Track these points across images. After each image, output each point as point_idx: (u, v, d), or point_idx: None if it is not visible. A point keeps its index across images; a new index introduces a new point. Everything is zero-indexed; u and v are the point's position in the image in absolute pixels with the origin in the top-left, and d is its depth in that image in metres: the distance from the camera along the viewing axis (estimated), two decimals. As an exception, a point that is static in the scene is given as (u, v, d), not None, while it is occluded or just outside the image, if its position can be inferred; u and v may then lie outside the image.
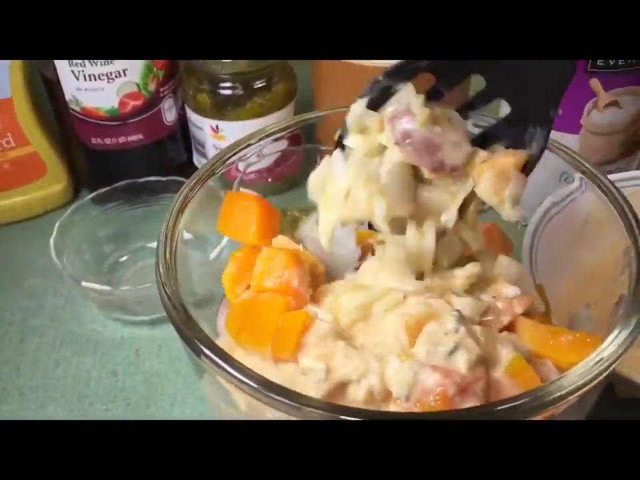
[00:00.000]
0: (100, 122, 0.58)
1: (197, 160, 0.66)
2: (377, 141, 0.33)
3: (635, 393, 0.44)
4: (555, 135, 0.53)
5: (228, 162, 0.41)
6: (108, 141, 0.60)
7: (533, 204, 0.48)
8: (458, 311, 0.30)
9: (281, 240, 0.38)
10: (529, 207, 0.46)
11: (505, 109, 0.37)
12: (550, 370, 0.30)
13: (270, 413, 0.27)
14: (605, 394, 0.45)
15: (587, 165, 0.38)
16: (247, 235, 0.39)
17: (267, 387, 0.25)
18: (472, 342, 0.28)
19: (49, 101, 0.61)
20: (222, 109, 0.59)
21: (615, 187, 0.37)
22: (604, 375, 0.27)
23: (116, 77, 0.56)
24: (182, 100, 0.62)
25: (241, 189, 0.48)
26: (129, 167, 0.61)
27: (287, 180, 0.59)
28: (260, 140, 0.44)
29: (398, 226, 0.32)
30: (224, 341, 0.33)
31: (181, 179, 0.56)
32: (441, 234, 0.32)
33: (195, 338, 0.28)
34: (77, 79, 0.55)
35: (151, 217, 0.58)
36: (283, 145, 0.59)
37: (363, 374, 0.28)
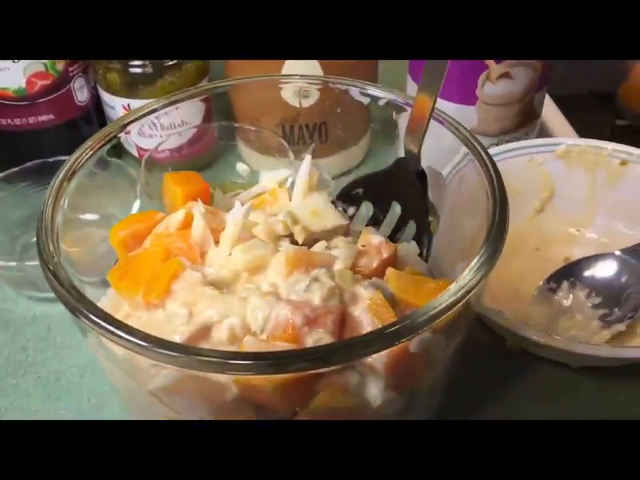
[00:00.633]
0: (8, 102, 0.58)
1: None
2: None
3: (523, 345, 0.47)
4: (453, 107, 0.56)
5: (124, 127, 0.42)
6: (18, 121, 0.60)
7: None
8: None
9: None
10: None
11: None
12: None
13: (142, 360, 0.28)
14: (496, 347, 0.48)
15: (471, 140, 0.40)
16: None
17: (130, 333, 0.26)
18: (328, 278, 0.30)
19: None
20: (133, 87, 0.60)
21: (487, 154, 0.39)
22: (458, 305, 0.28)
23: (21, 56, 0.56)
24: (93, 79, 0.62)
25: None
26: (42, 148, 0.61)
27: (201, 159, 0.60)
28: (163, 107, 0.45)
29: None
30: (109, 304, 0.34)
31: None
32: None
33: (69, 295, 0.29)
34: (-20, 58, 0.55)
35: (64, 196, 0.58)
36: (196, 121, 0.60)
37: (225, 315, 0.30)
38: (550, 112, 0.71)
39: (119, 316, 0.34)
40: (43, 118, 0.60)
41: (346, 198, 0.46)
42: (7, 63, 0.56)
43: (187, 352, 0.26)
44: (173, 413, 0.31)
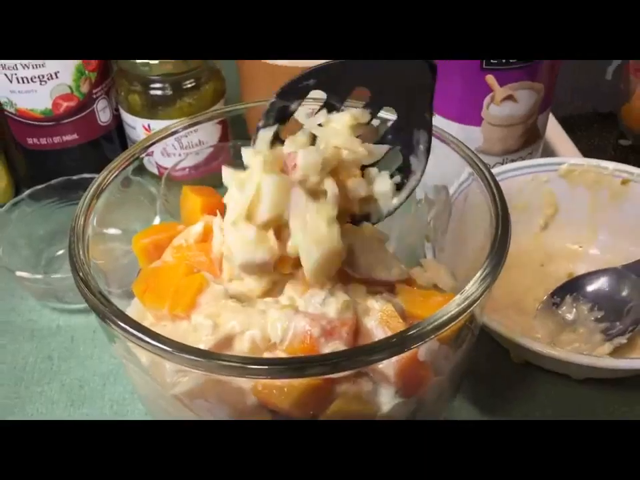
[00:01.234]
0: (35, 123, 0.61)
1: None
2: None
3: (527, 357, 0.49)
4: (459, 127, 0.58)
5: (147, 148, 0.44)
6: (44, 140, 0.63)
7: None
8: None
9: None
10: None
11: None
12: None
13: (168, 365, 0.31)
14: (502, 359, 0.50)
15: (475, 160, 0.42)
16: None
17: (157, 340, 0.28)
18: (342, 292, 0.32)
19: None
20: (153, 108, 0.63)
21: (489, 170, 0.40)
22: (461, 316, 0.30)
23: (48, 79, 0.59)
24: (115, 101, 0.65)
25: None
26: (66, 167, 0.64)
27: (217, 177, 0.63)
28: (184, 129, 0.47)
29: None
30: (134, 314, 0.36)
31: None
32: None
33: (98, 302, 0.31)
34: (10, 81, 0.58)
35: (87, 213, 0.61)
36: (213, 141, 0.63)
37: (246, 326, 0.32)
38: (554, 132, 0.73)
39: (144, 324, 0.36)
40: (68, 138, 0.63)
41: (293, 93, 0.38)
42: (35, 86, 0.59)
43: (209, 357, 0.28)
44: (196, 417, 0.33)
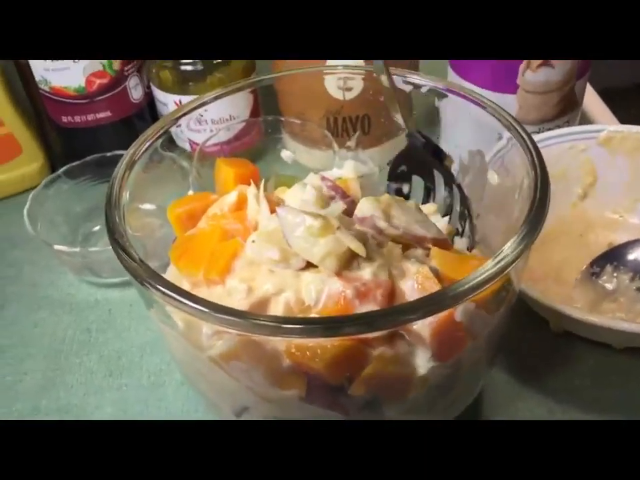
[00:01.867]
0: (69, 100, 0.62)
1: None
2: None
3: (567, 326, 0.48)
4: (493, 95, 0.57)
5: (176, 120, 0.44)
6: (77, 118, 0.63)
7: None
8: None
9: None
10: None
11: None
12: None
13: (204, 328, 0.31)
14: (540, 329, 0.49)
15: (514, 124, 0.41)
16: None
17: (194, 301, 0.29)
18: (377, 256, 0.32)
19: (20, 82, 0.64)
20: (184, 84, 0.63)
21: (527, 133, 0.40)
22: (497, 277, 0.29)
23: (81, 56, 0.59)
24: (147, 78, 0.66)
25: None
26: (99, 144, 0.64)
27: (249, 152, 0.63)
28: (211, 100, 0.47)
29: None
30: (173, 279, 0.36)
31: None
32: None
33: (138, 267, 0.31)
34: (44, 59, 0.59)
35: (121, 188, 0.62)
36: (244, 116, 0.63)
37: (280, 289, 0.32)
38: (591, 101, 0.71)
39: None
40: (101, 115, 0.64)
41: (396, 178, 0.48)
42: (68, 63, 0.59)
43: (244, 316, 0.28)
44: (232, 379, 0.33)
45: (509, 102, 0.57)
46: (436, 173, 0.46)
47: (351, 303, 0.31)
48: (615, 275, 0.52)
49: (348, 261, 0.33)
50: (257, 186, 0.41)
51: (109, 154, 0.61)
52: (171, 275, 0.39)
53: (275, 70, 0.67)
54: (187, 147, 0.63)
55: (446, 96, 0.44)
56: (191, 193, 0.55)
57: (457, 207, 0.45)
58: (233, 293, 0.33)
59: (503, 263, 0.30)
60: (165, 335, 0.36)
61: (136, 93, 0.65)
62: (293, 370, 0.32)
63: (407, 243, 0.37)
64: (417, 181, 0.49)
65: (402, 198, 0.39)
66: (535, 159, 0.36)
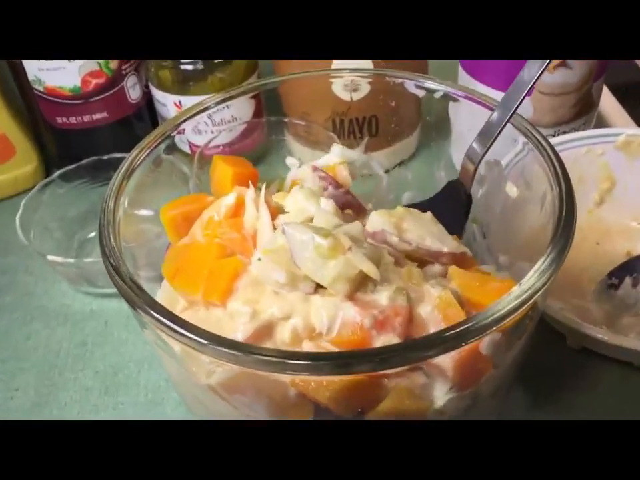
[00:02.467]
0: (64, 101, 0.59)
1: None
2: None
3: (584, 343, 0.46)
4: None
5: (179, 126, 0.42)
6: (73, 120, 0.61)
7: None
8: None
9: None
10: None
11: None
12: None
13: (202, 355, 0.29)
14: (557, 345, 0.47)
15: (529, 128, 0.39)
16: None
17: (190, 331, 0.26)
18: (394, 277, 0.29)
19: (13, 82, 0.62)
20: (184, 84, 0.60)
21: (549, 143, 0.38)
22: (524, 306, 0.27)
23: (76, 55, 0.57)
24: (145, 77, 0.63)
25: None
26: (96, 146, 0.62)
27: (251, 154, 0.60)
28: (215, 104, 0.44)
29: None
30: (165, 296, 0.34)
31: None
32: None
33: (129, 290, 0.29)
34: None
35: (118, 193, 0.59)
36: (246, 117, 0.61)
37: (288, 314, 0.30)
38: (607, 102, 0.69)
39: (177, 309, 0.34)
40: (97, 116, 0.61)
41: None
42: (63, 63, 0.57)
43: (246, 350, 0.26)
44: (232, 408, 0.31)
45: (524, 104, 0.55)
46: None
47: (368, 334, 0.28)
48: (635, 287, 0.50)
49: (361, 284, 0.30)
50: (256, 189, 0.38)
51: (105, 156, 0.59)
52: (167, 287, 0.36)
53: (278, 69, 0.65)
54: (187, 149, 0.61)
55: (458, 101, 0.42)
56: (190, 198, 0.53)
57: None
58: (236, 316, 0.31)
59: (530, 290, 0.27)
60: (159, 356, 0.34)
61: (134, 93, 0.62)
62: (299, 400, 0.30)
63: (423, 259, 0.35)
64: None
65: (417, 210, 0.36)
66: (558, 170, 0.34)
